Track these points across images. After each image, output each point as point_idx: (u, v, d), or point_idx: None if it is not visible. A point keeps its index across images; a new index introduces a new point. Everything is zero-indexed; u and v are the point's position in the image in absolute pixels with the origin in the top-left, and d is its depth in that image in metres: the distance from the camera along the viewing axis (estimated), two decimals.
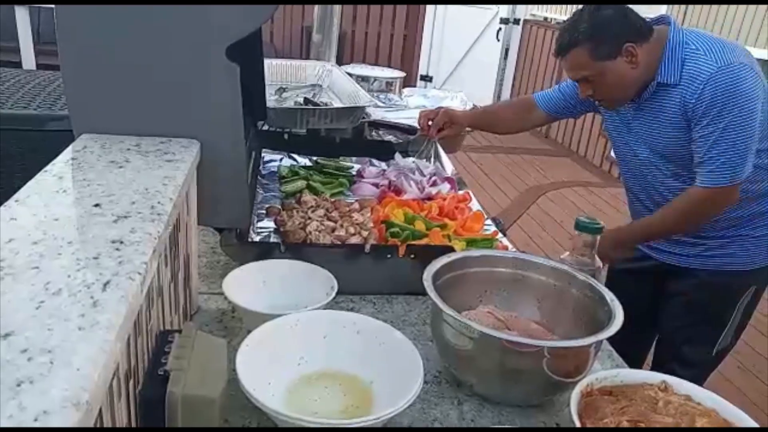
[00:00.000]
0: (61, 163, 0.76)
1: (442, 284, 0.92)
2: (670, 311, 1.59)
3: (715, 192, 1.33)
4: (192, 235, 0.94)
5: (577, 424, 0.75)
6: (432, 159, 1.76)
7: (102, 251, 0.55)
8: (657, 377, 0.84)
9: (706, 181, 1.32)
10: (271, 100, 1.87)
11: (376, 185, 1.54)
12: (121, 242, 0.57)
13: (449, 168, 1.70)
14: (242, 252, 1.03)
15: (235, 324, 0.98)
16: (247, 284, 1.00)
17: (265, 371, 0.81)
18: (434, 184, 1.58)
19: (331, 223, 1.26)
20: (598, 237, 0.98)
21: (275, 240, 1.20)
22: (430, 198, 1.51)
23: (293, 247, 1.05)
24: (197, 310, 1.01)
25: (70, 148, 0.81)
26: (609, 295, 0.89)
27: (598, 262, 0.99)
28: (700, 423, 0.72)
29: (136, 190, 0.70)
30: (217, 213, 0.96)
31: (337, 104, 1.91)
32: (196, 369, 0.69)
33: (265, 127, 1.72)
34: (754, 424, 0.77)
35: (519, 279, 0.99)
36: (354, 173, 1.62)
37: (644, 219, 1.51)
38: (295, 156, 1.66)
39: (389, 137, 1.88)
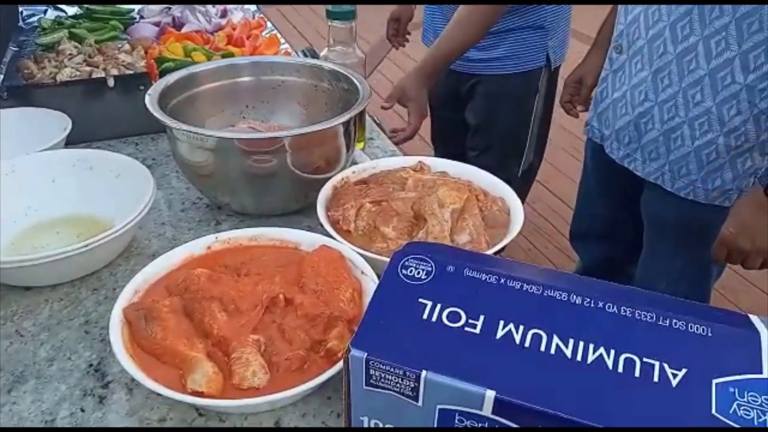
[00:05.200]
0: None
1: (182, 103, 0.83)
2: (471, 134, 1.61)
3: None
4: None
5: (321, 217, 0.71)
6: None
7: None
8: (414, 159, 0.81)
9: None
10: None
11: (158, 24, 1.37)
12: None
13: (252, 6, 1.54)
14: None
15: None
16: None
17: None
18: (225, 14, 1.42)
19: (90, 68, 1.10)
20: (353, 23, 0.89)
21: None
22: (220, 29, 1.36)
23: (18, 90, 0.91)
24: None
25: None
26: (360, 83, 0.82)
27: (360, 53, 0.91)
28: (441, 191, 0.70)
29: None
30: None
31: None
32: None
33: None
34: (505, 188, 0.76)
35: (277, 86, 0.90)
36: (135, 16, 1.43)
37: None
38: (63, 6, 1.43)
39: None
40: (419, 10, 1.77)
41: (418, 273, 0.51)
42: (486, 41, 1.43)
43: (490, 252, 0.65)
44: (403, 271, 0.52)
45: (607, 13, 1.37)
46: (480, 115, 1.59)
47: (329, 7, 0.87)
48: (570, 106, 1.52)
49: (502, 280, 0.50)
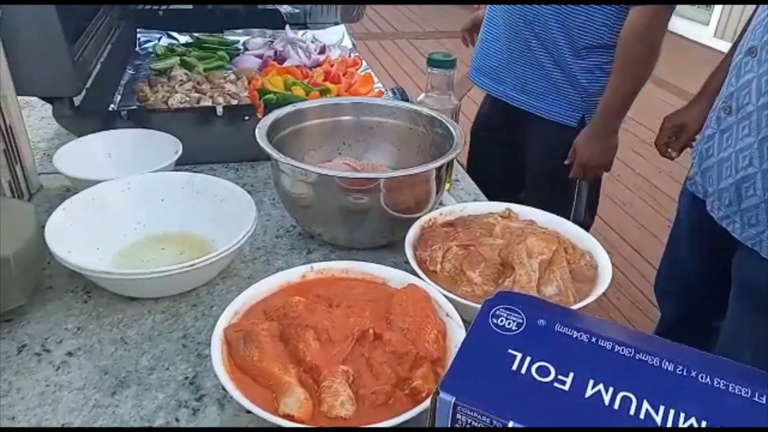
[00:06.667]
0: None
1: (287, 137, 0.88)
2: (527, 177, 1.65)
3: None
4: (10, 105, 0.86)
5: (409, 254, 0.73)
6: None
7: None
8: (503, 206, 0.82)
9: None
10: None
11: (261, 57, 1.45)
12: None
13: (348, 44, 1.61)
14: (79, 123, 0.96)
15: None
16: (89, 157, 0.94)
17: (91, 236, 0.77)
18: (324, 51, 1.49)
19: (198, 95, 1.19)
20: (453, 72, 0.93)
21: None
22: (318, 65, 1.43)
23: (136, 113, 0.99)
24: (39, 189, 0.96)
25: None
26: (455, 129, 0.84)
27: (455, 101, 0.94)
28: (530, 240, 0.71)
29: None
30: (36, 81, 0.88)
31: None
32: None
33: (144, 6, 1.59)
34: (593, 242, 0.76)
35: (374, 126, 0.94)
36: (240, 47, 1.53)
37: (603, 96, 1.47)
38: (175, 34, 1.55)
39: (284, 7, 1.76)
40: None
41: (509, 324, 0.52)
42: (534, 84, 1.53)
43: (576, 307, 0.66)
44: (494, 320, 0.53)
45: (715, 66, 1.39)
46: (531, 154, 1.64)
47: (432, 55, 0.91)
48: (665, 149, 1.52)
49: (593, 339, 0.50)
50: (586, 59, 1.47)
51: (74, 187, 0.94)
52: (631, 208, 3.12)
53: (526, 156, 1.65)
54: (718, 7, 5.68)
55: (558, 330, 0.51)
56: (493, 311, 0.54)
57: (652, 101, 4.37)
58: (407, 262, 0.82)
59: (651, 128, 4.14)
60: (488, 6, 1.63)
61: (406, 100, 1.32)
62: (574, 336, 0.51)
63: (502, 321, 0.53)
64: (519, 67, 1.54)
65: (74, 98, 0.97)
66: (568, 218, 1.66)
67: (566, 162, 1.55)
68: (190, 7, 1.67)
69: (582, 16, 1.41)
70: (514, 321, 0.53)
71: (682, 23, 5.84)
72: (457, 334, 0.61)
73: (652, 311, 2.40)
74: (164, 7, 1.57)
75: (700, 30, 5.80)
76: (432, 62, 0.91)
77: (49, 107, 1.01)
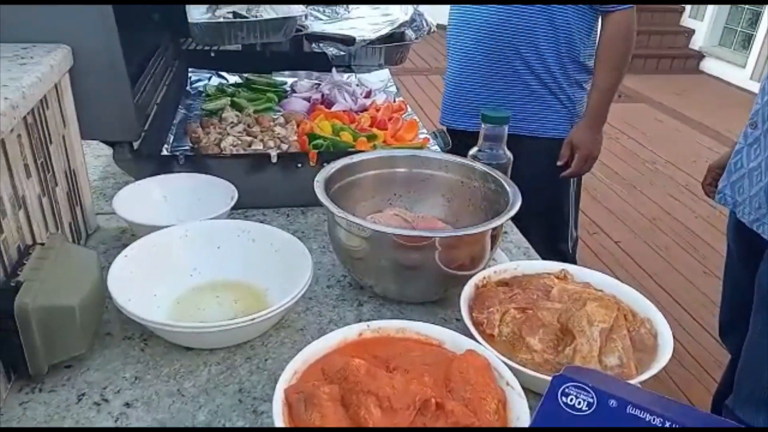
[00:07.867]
0: None
1: (342, 188, 0.88)
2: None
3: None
4: (74, 149, 0.88)
5: (465, 316, 0.72)
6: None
7: None
8: (557, 266, 0.81)
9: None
10: (203, 17, 1.78)
11: (308, 99, 1.47)
12: None
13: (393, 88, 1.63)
14: (137, 166, 0.98)
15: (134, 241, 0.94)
16: (145, 200, 0.96)
17: (150, 283, 0.78)
18: (369, 95, 1.51)
19: (249, 138, 1.21)
20: (506, 127, 0.93)
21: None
22: (364, 110, 1.45)
23: (193, 159, 1.00)
24: (96, 230, 0.97)
25: None
26: (511, 187, 0.84)
27: (509, 154, 0.94)
28: (590, 306, 0.70)
29: None
30: (100, 125, 0.90)
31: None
32: (55, 279, 0.66)
33: (193, 46, 1.63)
34: (651, 308, 0.75)
35: (426, 178, 0.94)
36: (288, 89, 1.56)
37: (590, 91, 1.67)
38: (225, 74, 1.58)
39: (330, 50, 1.79)
40: None
41: (579, 403, 0.52)
42: (520, 105, 1.65)
43: (638, 380, 0.64)
44: (563, 398, 0.52)
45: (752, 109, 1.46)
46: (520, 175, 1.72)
47: (485, 111, 0.92)
48: (711, 189, 1.63)
49: (668, 424, 0.49)
50: (570, 72, 1.65)
51: (131, 229, 0.96)
52: (666, 252, 3.08)
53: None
54: (755, 50, 5.64)
55: (630, 412, 0.50)
56: (562, 389, 0.53)
57: (688, 143, 4.33)
58: (459, 319, 0.82)
59: (687, 171, 4.09)
60: (453, 44, 1.74)
61: (448, 144, 1.33)
62: (647, 419, 0.50)
63: (572, 400, 0.52)
64: (502, 94, 1.65)
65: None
66: (567, 233, 1.75)
67: (560, 163, 1.68)
68: (239, 47, 1.71)
69: (565, 29, 1.59)
70: (584, 400, 0.52)
71: (718, 65, 5.80)
72: (518, 405, 0.60)
73: (687, 360, 2.35)
74: (216, 47, 1.61)
75: (737, 72, 5.75)
76: (486, 118, 0.92)
77: (104, 146, 1.04)
